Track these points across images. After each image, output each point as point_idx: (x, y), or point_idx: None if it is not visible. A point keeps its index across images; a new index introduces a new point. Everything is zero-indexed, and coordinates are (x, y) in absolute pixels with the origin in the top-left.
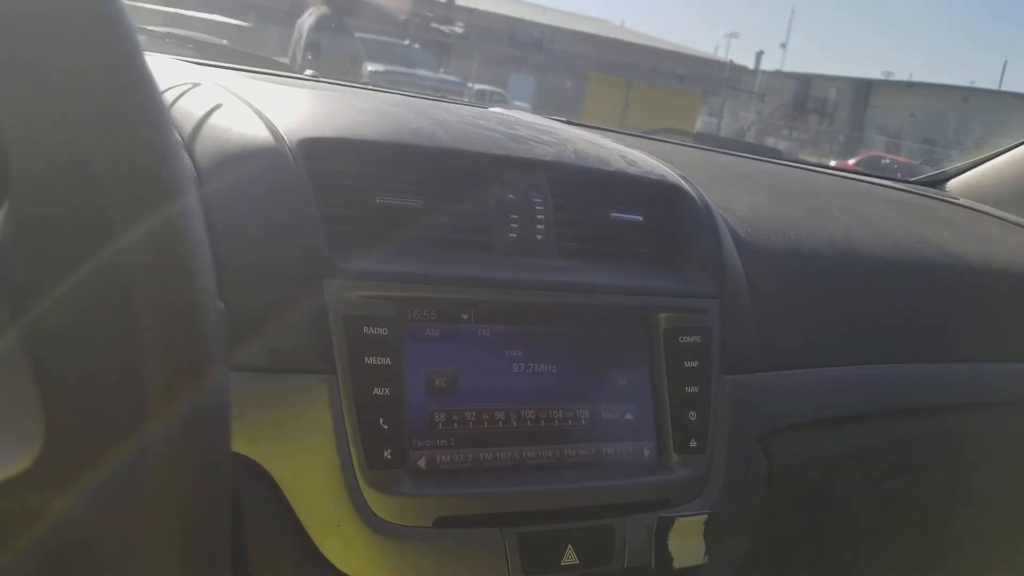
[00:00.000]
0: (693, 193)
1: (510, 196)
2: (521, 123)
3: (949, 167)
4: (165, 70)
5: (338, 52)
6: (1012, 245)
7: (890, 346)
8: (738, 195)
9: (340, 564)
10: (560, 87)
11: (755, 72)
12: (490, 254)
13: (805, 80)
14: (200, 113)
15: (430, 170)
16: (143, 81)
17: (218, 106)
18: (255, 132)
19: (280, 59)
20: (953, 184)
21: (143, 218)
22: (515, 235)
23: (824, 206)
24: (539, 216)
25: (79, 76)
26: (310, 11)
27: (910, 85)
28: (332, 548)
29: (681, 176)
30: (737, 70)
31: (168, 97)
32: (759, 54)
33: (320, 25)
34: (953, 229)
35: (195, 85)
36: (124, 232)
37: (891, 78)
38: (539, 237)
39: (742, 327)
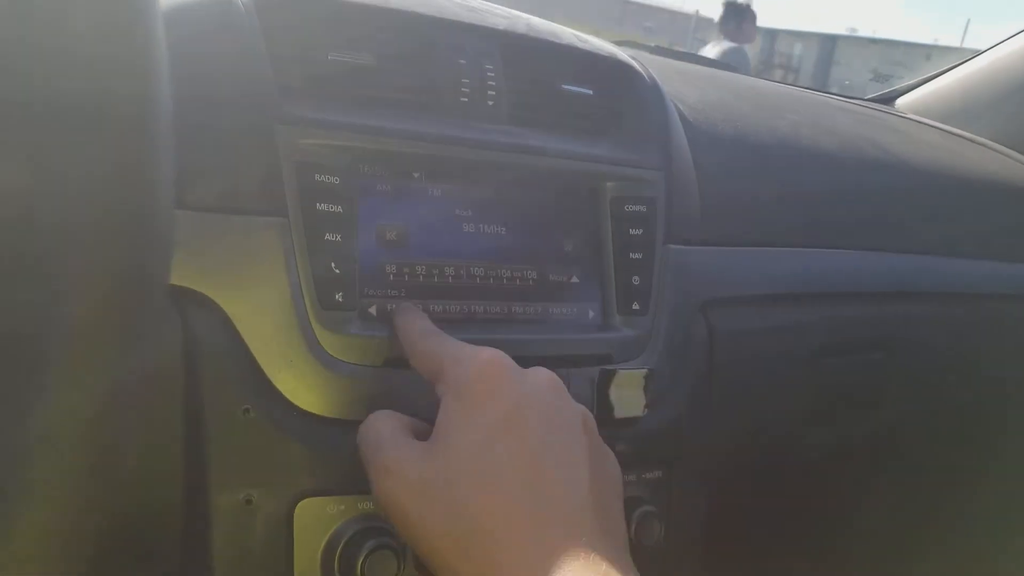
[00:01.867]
0: (642, 71)
1: (461, 61)
2: (477, 1)
3: (899, 86)
4: None
5: None
6: (955, 152)
7: (828, 232)
8: (689, 90)
9: (293, 397)
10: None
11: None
12: (442, 115)
13: (771, 35)
14: None
15: (382, 31)
16: None
17: None
18: None
19: None
20: (902, 102)
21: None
22: (466, 99)
23: (774, 106)
24: (490, 83)
25: None
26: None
27: (874, 42)
28: (285, 382)
29: (632, 57)
30: (704, 23)
31: None
32: None
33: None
34: (898, 134)
35: None
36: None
37: (856, 34)
38: (490, 103)
39: (686, 201)
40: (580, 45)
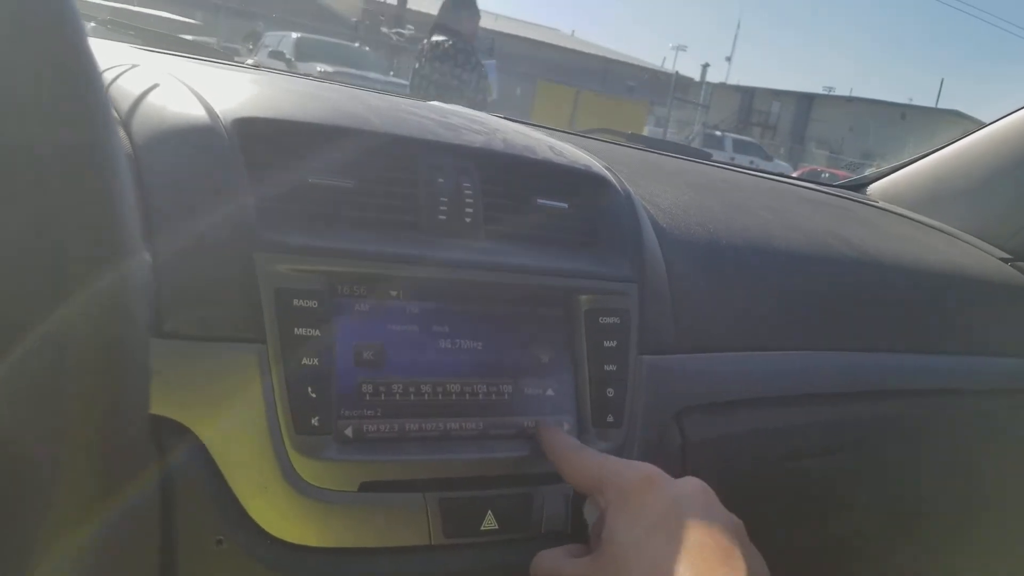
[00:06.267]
0: (616, 183)
1: (440, 180)
2: (454, 113)
3: (870, 172)
4: (106, 53)
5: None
6: (922, 244)
7: (799, 334)
8: (663, 189)
9: (267, 526)
10: (510, 93)
11: (701, 84)
12: (419, 234)
13: (749, 93)
14: (137, 92)
15: (361, 153)
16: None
17: (155, 85)
18: (191, 111)
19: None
20: (873, 188)
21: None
22: (444, 217)
23: (745, 202)
24: (468, 200)
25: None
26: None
27: (850, 100)
28: (259, 510)
29: (606, 167)
30: (684, 81)
31: (107, 76)
32: (705, 66)
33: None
34: (867, 227)
35: (134, 66)
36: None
37: (832, 93)
38: (467, 220)
39: (659, 311)
40: (555, 159)
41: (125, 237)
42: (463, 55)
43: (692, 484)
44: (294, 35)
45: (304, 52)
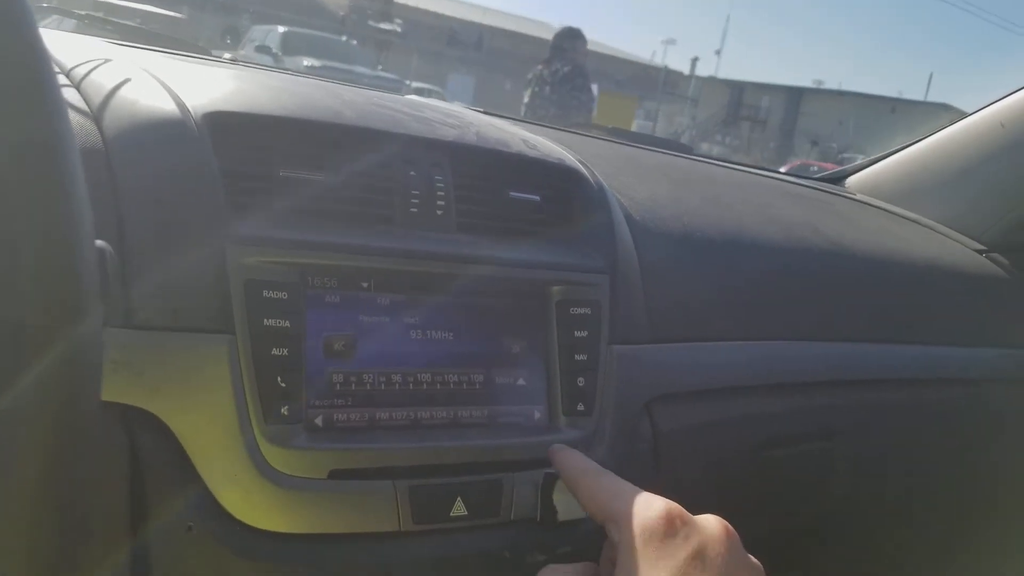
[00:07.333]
0: (589, 176)
1: (412, 173)
2: (428, 107)
3: (849, 165)
4: (79, 48)
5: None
6: (898, 236)
7: (771, 324)
8: (639, 183)
9: (238, 514)
10: (500, 88)
11: (690, 78)
12: (391, 226)
13: (739, 87)
14: (110, 86)
15: (333, 146)
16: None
17: (127, 80)
18: (162, 105)
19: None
20: (852, 181)
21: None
22: (416, 210)
23: (722, 196)
24: (439, 193)
25: None
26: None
27: (840, 94)
28: (230, 499)
29: (579, 161)
30: (673, 76)
31: (80, 71)
32: (694, 60)
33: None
34: (844, 220)
35: (107, 60)
36: None
37: (822, 87)
38: (439, 213)
39: (631, 302)
40: (528, 152)
41: (75, 228)
42: (579, 79)
43: (715, 527)
44: (280, 29)
45: (290, 46)
